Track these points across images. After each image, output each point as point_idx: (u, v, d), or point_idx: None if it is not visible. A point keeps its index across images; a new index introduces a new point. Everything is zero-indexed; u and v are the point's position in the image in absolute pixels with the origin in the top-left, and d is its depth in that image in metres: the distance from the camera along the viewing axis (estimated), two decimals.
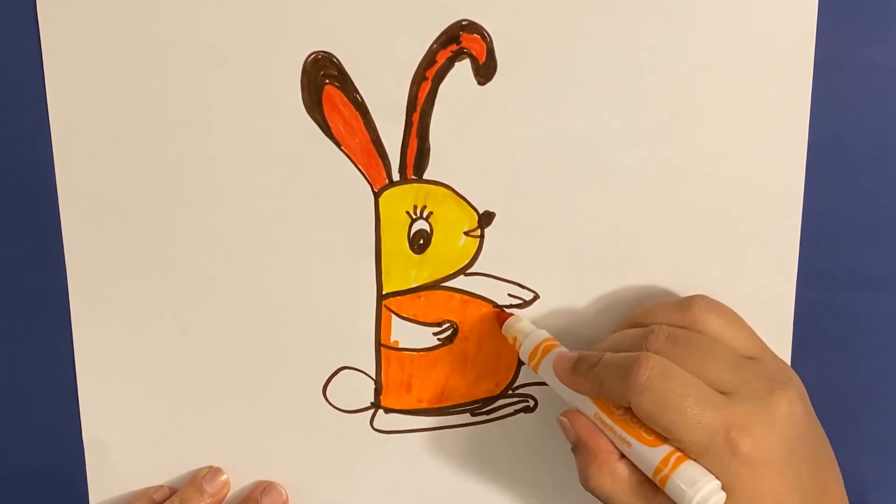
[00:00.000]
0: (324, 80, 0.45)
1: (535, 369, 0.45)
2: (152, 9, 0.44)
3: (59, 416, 0.49)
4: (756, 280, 0.47)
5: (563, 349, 0.45)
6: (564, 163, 0.46)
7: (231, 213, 0.47)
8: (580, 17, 0.44)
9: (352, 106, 0.45)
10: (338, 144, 0.46)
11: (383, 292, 0.48)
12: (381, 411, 0.50)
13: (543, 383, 0.48)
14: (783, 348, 0.47)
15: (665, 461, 0.39)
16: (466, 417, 0.50)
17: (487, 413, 0.49)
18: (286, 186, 0.46)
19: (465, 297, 0.48)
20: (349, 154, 0.46)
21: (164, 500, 0.49)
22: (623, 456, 0.41)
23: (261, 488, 0.49)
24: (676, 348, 0.41)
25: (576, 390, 0.43)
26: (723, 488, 0.38)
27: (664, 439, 0.39)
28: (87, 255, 0.47)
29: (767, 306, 0.47)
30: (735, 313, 0.44)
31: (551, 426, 0.49)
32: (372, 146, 0.46)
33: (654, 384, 0.39)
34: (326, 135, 0.46)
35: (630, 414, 0.40)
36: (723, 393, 0.39)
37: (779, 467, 0.39)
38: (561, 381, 0.43)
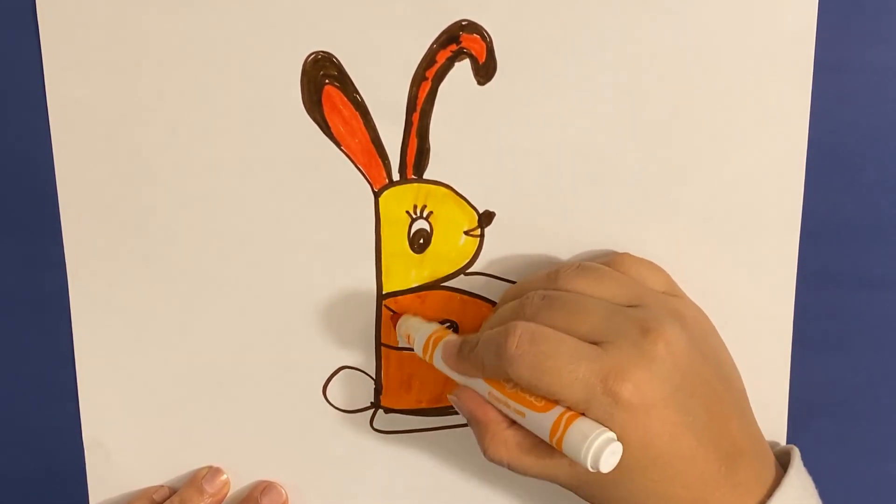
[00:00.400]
0: (324, 80, 0.45)
1: (430, 361, 0.45)
2: (152, 9, 0.44)
3: (59, 416, 0.49)
4: (756, 280, 0.47)
5: (453, 336, 0.44)
6: (564, 163, 0.46)
7: (231, 214, 0.47)
8: (580, 18, 0.44)
9: (352, 106, 0.45)
10: (338, 144, 0.46)
11: (383, 292, 0.48)
12: (381, 411, 0.50)
13: None
14: (783, 348, 0.47)
15: (557, 423, 0.38)
16: None
17: None
18: (286, 186, 0.46)
19: (465, 297, 0.48)
20: (349, 154, 0.46)
21: (164, 500, 0.49)
22: (513, 423, 0.41)
23: (260, 488, 0.50)
24: (549, 311, 0.40)
25: (464, 374, 0.43)
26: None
27: (554, 403, 0.39)
28: (87, 255, 0.47)
29: (767, 306, 0.47)
30: (606, 269, 0.43)
31: None
32: (372, 146, 0.46)
33: (524, 351, 0.39)
34: (326, 135, 0.46)
35: (519, 386, 0.40)
36: (596, 344, 0.39)
37: (664, 409, 0.38)
38: (450, 368, 0.43)
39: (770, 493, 0.40)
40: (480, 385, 0.42)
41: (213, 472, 0.49)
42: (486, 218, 0.47)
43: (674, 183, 0.46)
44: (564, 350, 0.39)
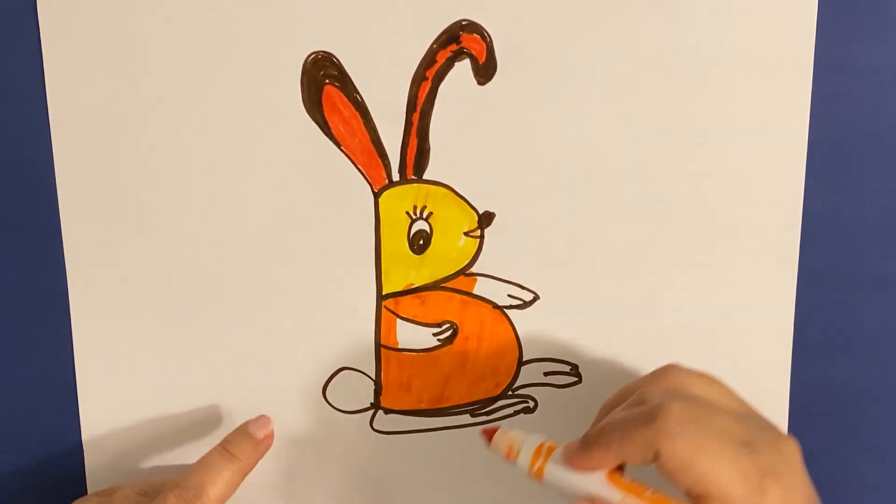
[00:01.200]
0: (324, 80, 0.45)
1: (539, 475, 0.40)
2: (152, 9, 0.44)
3: (59, 416, 0.49)
4: (756, 280, 0.47)
5: (572, 442, 0.40)
6: (564, 163, 0.46)
7: (231, 214, 0.47)
8: (580, 17, 0.44)
9: (352, 106, 0.45)
10: (338, 144, 0.46)
11: (383, 293, 0.48)
12: (380, 412, 0.49)
13: (544, 384, 0.48)
14: (783, 349, 0.47)
15: None
16: (466, 418, 0.49)
17: (487, 414, 0.49)
18: (286, 186, 0.46)
19: (465, 297, 0.48)
20: (349, 154, 0.46)
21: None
22: None
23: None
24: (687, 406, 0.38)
25: (593, 467, 0.39)
26: None
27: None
28: (87, 255, 0.47)
29: (767, 306, 0.47)
30: (709, 374, 0.41)
31: (551, 427, 0.49)
32: (372, 146, 0.46)
33: (685, 428, 0.36)
34: (326, 135, 0.46)
35: (661, 493, 0.38)
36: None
37: None
38: (574, 466, 0.39)
39: None
40: (612, 493, 0.38)
41: (263, 419, 0.47)
42: (485, 218, 0.47)
43: (674, 183, 0.46)
44: (726, 437, 0.37)
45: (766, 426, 0.39)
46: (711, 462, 0.36)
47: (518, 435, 0.41)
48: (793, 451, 0.38)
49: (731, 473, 0.36)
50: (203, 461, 0.45)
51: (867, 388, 0.48)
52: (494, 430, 0.42)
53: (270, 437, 0.47)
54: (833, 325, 0.47)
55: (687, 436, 0.36)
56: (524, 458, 0.41)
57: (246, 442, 0.46)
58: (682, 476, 0.36)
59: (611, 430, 0.38)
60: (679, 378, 0.40)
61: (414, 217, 0.47)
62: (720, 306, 0.47)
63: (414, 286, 0.48)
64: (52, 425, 0.49)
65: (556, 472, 0.40)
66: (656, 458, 0.37)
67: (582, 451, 0.39)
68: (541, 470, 0.40)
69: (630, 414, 0.38)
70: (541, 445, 0.41)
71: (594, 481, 0.39)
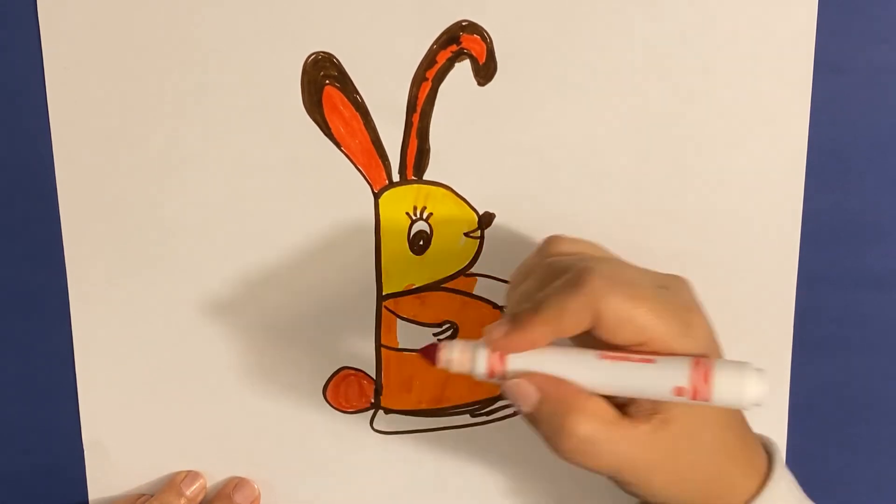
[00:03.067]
0: (324, 80, 0.45)
1: (503, 375, 0.38)
2: (152, 9, 0.44)
3: (59, 416, 0.49)
4: (756, 280, 0.47)
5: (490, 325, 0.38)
6: (564, 163, 0.46)
7: (231, 214, 0.47)
8: (580, 17, 0.44)
9: (352, 106, 0.45)
10: (338, 145, 0.46)
11: (383, 293, 0.48)
12: (381, 412, 0.49)
13: None
14: (783, 348, 0.47)
15: (697, 363, 0.37)
16: (466, 418, 0.50)
17: (487, 414, 0.49)
18: (286, 187, 0.46)
19: (466, 298, 0.48)
20: (349, 154, 0.46)
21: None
22: (592, 394, 0.37)
23: (233, 484, 0.50)
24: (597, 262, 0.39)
25: (530, 347, 0.38)
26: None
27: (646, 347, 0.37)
28: (87, 255, 0.47)
29: (767, 306, 0.47)
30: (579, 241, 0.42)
31: None
32: (372, 147, 0.46)
33: (615, 286, 0.36)
34: (326, 135, 0.46)
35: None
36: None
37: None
38: (511, 349, 0.38)
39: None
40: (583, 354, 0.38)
41: (192, 475, 0.50)
42: (485, 219, 0.47)
43: (674, 183, 0.46)
44: (646, 283, 0.38)
45: (656, 272, 0.40)
46: (646, 311, 0.37)
47: (464, 347, 0.38)
48: (691, 287, 0.40)
49: (663, 316, 0.37)
50: None
51: (867, 388, 0.48)
52: (435, 349, 0.39)
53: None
54: (833, 325, 0.47)
55: (618, 292, 0.36)
56: (481, 364, 0.38)
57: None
58: (623, 330, 0.37)
59: (545, 305, 0.37)
60: (572, 245, 0.41)
61: (414, 217, 0.47)
62: (720, 306, 0.47)
63: (414, 286, 0.48)
64: (52, 425, 0.49)
65: (518, 363, 0.38)
66: (595, 321, 0.37)
67: (518, 331, 0.37)
68: (502, 371, 0.38)
69: (554, 286, 0.37)
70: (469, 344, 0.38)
71: (584, 359, 0.38)
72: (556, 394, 0.37)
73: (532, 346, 0.38)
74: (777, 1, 0.44)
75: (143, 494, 0.50)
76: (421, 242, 0.47)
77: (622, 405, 0.38)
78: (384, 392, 0.49)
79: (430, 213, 0.47)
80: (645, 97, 0.45)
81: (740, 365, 0.37)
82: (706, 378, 0.36)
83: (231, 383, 0.49)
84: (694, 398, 0.37)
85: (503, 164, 0.46)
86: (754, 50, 0.44)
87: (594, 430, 0.37)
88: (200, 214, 0.47)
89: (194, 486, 0.49)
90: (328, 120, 0.45)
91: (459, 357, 0.38)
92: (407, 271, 0.48)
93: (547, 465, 0.50)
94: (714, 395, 0.36)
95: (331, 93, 0.45)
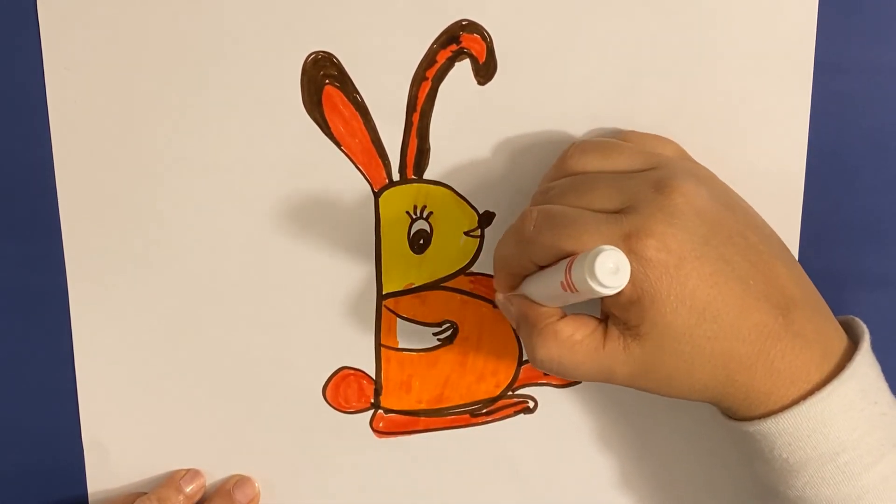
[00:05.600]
0: (324, 80, 0.45)
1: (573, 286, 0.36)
2: (152, 9, 0.44)
3: (59, 416, 0.49)
4: None
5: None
6: None
7: (231, 214, 0.47)
8: (580, 17, 0.44)
9: (352, 106, 0.45)
10: (338, 144, 0.46)
11: (383, 292, 0.48)
12: (380, 412, 0.49)
13: (544, 384, 0.48)
14: None
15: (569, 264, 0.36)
16: (466, 418, 0.50)
17: (487, 414, 0.49)
18: (286, 186, 0.46)
19: (466, 297, 0.48)
20: (349, 154, 0.46)
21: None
22: (564, 316, 0.39)
23: (233, 481, 0.49)
24: (560, 196, 0.39)
25: (503, 285, 0.42)
26: (646, 299, 0.36)
27: None
28: (87, 255, 0.47)
29: None
30: (611, 141, 0.42)
31: (551, 427, 0.49)
32: (372, 146, 0.46)
33: (541, 229, 0.38)
34: (326, 135, 0.46)
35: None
36: (616, 212, 0.38)
37: (696, 261, 0.37)
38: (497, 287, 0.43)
39: (832, 349, 0.39)
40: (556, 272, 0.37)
41: (192, 473, 0.50)
42: (485, 218, 0.47)
43: None
44: (582, 221, 0.37)
45: (650, 181, 0.38)
46: (573, 249, 0.37)
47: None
48: (672, 197, 0.37)
49: (596, 242, 0.36)
50: None
51: None
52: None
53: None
54: None
55: (543, 236, 0.38)
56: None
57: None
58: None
59: (497, 251, 0.41)
60: (569, 160, 0.42)
61: (414, 217, 0.47)
62: None
63: (414, 286, 0.48)
64: (52, 425, 0.49)
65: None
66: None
67: (495, 272, 0.42)
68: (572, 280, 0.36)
69: (506, 232, 0.41)
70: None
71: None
72: (526, 316, 0.40)
73: (503, 285, 0.42)
74: (777, 1, 0.44)
75: (142, 493, 0.50)
76: (421, 242, 0.47)
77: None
78: (384, 392, 0.49)
79: (431, 213, 0.47)
80: (645, 97, 0.45)
81: (595, 250, 0.34)
82: (569, 267, 0.35)
83: (231, 383, 0.49)
84: (567, 290, 0.35)
85: (503, 163, 0.46)
86: (754, 50, 0.44)
87: (551, 352, 0.39)
88: (200, 214, 0.47)
89: (193, 485, 0.49)
90: (328, 119, 0.45)
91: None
92: (407, 270, 0.48)
93: (547, 466, 0.50)
94: (575, 282, 0.35)
95: (331, 92, 0.45)
